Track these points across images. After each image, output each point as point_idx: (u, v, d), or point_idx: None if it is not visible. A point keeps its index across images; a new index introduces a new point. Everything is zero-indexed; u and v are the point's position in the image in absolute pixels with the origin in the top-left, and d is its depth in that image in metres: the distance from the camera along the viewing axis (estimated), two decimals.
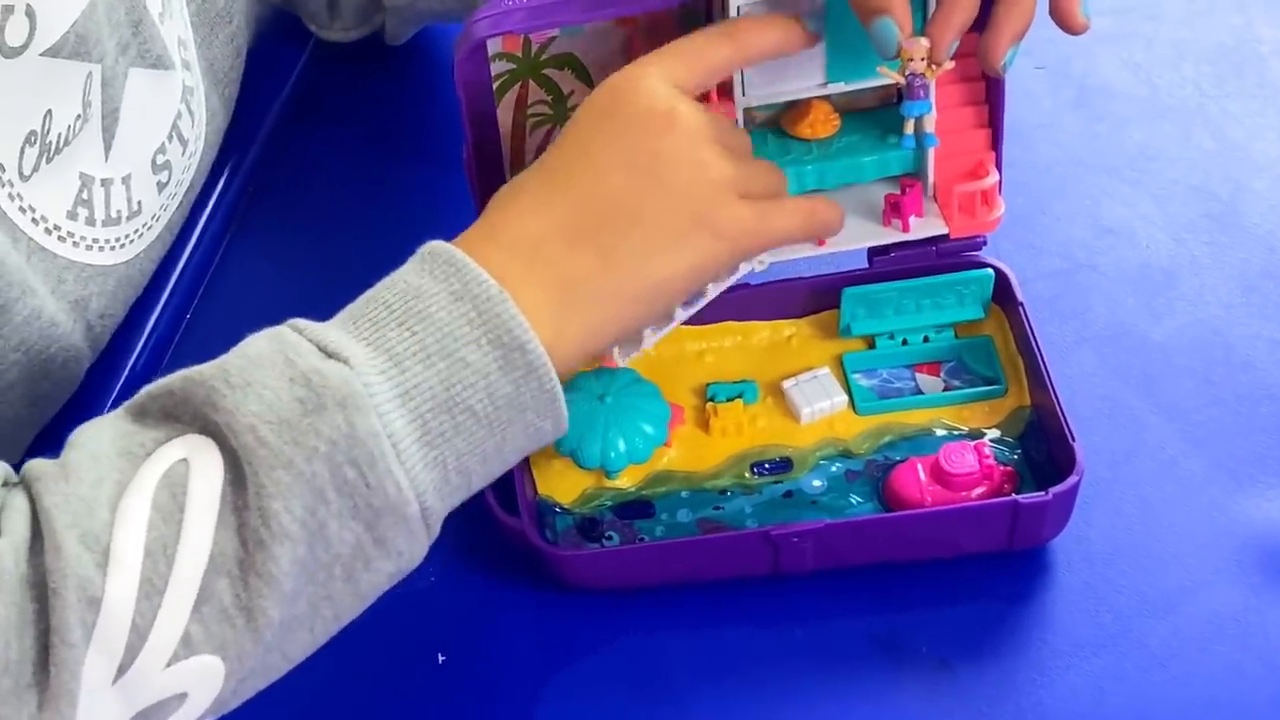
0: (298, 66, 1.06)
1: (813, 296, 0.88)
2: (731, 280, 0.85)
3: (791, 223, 0.77)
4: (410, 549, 0.67)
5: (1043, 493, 0.77)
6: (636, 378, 0.83)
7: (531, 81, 0.84)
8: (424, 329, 0.66)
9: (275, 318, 0.68)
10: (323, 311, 0.70)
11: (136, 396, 0.67)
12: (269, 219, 1.00)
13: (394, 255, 0.71)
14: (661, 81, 0.73)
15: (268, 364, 0.65)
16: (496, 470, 0.69)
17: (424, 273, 0.68)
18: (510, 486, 0.79)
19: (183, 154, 0.90)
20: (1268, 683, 0.76)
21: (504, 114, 0.84)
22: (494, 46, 0.82)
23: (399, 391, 0.65)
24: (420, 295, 0.67)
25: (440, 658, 0.79)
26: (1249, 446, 0.85)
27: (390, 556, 0.66)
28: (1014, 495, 0.78)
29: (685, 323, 0.84)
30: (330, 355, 0.66)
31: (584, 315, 0.70)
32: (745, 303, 0.88)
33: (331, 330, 0.67)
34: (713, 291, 0.84)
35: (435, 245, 0.69)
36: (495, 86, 0.83)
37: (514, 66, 0.83)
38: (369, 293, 0.69)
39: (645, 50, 0.81)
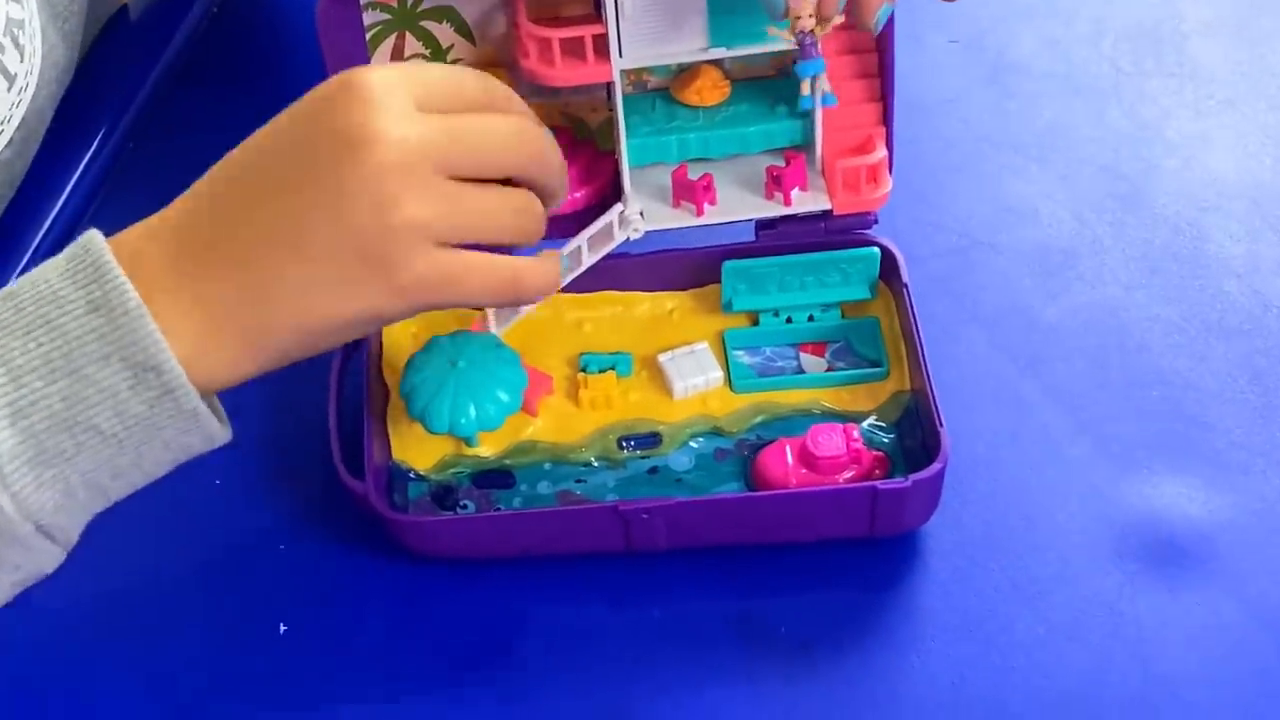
0: (184, 24, 1.03)
1: (698, 269, 0.86)
2: (609, 248, 0.83)
3: (488, 286, 0.68)
4: (31, 561, 0.65)
5: (903, 479, 0.75)
6: (497, 344, 0.80)
7: (409, 34, 0.82)
8: (51, 340, 0.63)
9: None
10: None
11: None
12: (144, 181, 0.97)
13: None
14: (388, 95, 0.65)
15: None
16: (140, 481, 0.66)
17: (67, 274, 0.64)
18: (362, 449, 0.77)
19: (9, 90, 0.87)
20: (1133, 673, 0.75)
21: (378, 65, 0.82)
22: None
23: (11, 410, 0.63)
24: (56, 300, 0.64)
25: (282, 627, 0.77)
26: (1137, 432, 0.83)
27: (5, 570, 0.65)
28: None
29: (564, 290, 0.83)
30: None
31: (231, 342, 0.65)
32: (628, 273, 0.86)
33: None
34: (589, 258, 0.83)
35: (91, 238, 0.65)
36: (369, 36, 0.81)
37: (389, 17, 0.81)
38: (9, 286, 0.65)
39: (529, 9, 0.79)
